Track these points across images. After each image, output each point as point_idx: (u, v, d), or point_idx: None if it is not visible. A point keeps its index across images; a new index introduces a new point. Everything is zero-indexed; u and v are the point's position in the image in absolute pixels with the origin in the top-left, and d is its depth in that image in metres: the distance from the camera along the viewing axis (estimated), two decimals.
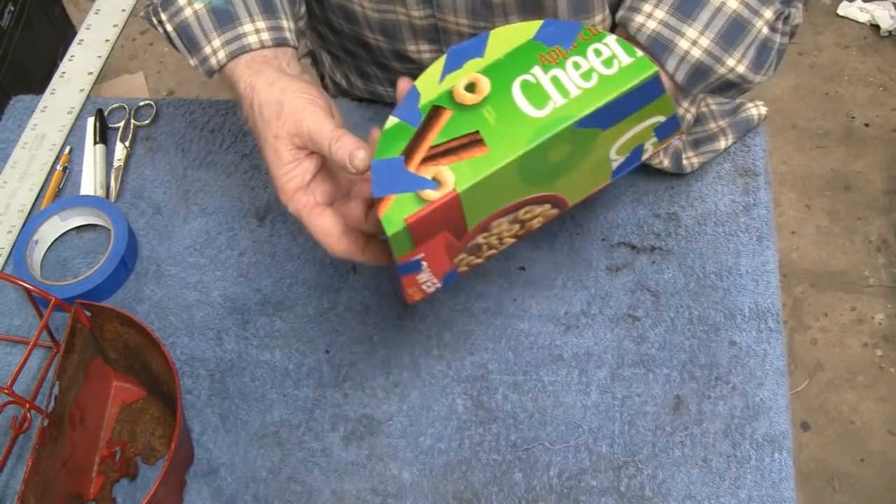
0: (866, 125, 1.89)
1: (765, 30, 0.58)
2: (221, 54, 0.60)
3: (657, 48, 0.58)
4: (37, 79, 1.65)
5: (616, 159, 0.55)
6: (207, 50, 0.60)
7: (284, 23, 0.61)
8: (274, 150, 0.56)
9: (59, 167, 0.83)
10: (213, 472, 0.66)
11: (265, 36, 0.60)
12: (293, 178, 0.56)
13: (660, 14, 0.58)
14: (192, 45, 0.61)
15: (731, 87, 0.60)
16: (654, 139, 0.55)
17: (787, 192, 1.79)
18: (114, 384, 0.71)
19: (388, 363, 0.69)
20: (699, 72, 0.58)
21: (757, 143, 0.79)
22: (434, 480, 0.64)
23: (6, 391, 0.60)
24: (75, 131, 0.86)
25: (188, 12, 0.61)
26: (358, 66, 0.81)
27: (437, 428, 0.66)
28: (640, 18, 0.59)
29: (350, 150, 0.52)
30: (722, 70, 0.58)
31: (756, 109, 0.78)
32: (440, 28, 0.68)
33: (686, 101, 0.75)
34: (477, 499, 0.63)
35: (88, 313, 0.66)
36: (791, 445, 0.64)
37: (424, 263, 0.53)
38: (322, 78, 0.94)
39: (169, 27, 0.62)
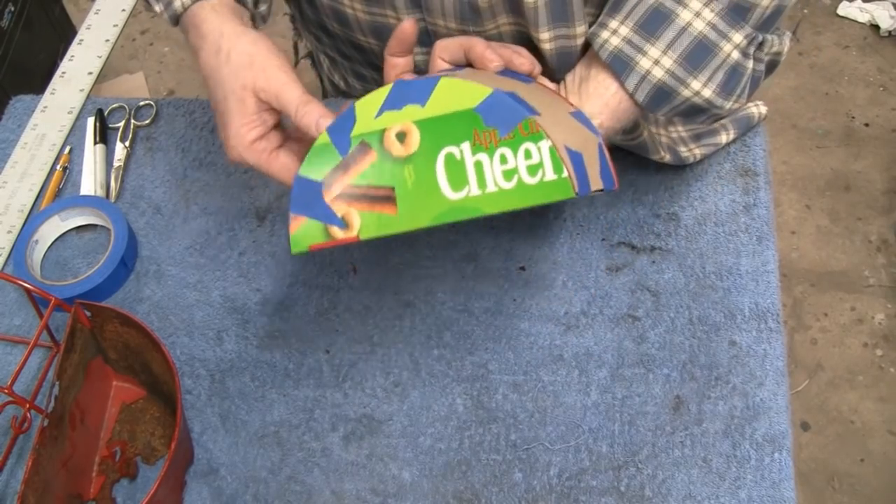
0: (866, 125, 1.89)
1: (735, 54, 0.57)
2: None
3: (617, 65, 0.57)
4: (37, 79, 1.65)
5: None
6: None
7: None
8: (240, 100, 0.56)
9: (59, 167, 0.83)
10: (213, 472, 0.66)
11: None
12: (254, 128, 0.56)
13: (624, 31, 0.57)
14: None
15: (699, 111, 0.59)
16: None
17: (787, 192, 1.79)
18: (114, 384, 0.71)
19: (388, 363, 0.69)
20: (662, 93, 0.57)
21: (757, 143, 0.79)
22: (434, 480, 0.64)
23: (6, 391, 0.60)
24: (75, 131, 0.86)
25: None
26: (354, 69, 0.81)
27: (437, 428, 0.66)
28: (604, 35, 0.58)
29: (316, 117, 0.53)
30: (686, 93, 0.57)
31: (756, 108, 0.78)
32: (430, 31, 0.68)
33: (692, 143, 0.75)
34: (477, 499, 0.63)
35: (88, 313, 0.66)
36: (791, 445, 0.64)
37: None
38: (321, 80, 0.94)
39: None
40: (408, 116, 0.51)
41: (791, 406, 0.66)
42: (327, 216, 0.53)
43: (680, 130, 0.76)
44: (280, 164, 0.57)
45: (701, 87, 0.57)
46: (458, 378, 0.68)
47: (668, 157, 0.74)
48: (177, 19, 0.61)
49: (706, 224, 0.74)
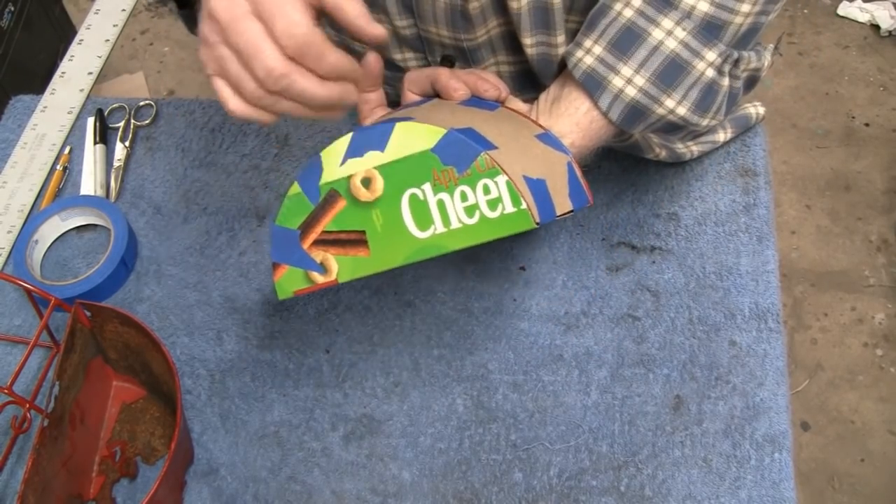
0: (866, 125, 1.89)
1: (709, 72, 0.57)
2: None
3: (590, 84, 0.57)
4: (37, 79, 1.65)
5: None
6: None
7: None
8: None
9: (59, 167, 0.83)
10: (213, 472, 0.66)
11: None
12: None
13: (597, 50, 0.57)
14: None
15: (675, 128, 0.59)
16: None
17: (787, 192, 1.79)
18: (114, 384, 0.71)
19: (388, 363, 0.69)
20: (635, 111, 0.57)
21: (757, 143, 0.79)
22: (434, 480, 0.64)
23: (6, 391, 0.60)
24: (75, 131, 0.86)
25: None
26: None
27: (437, 428, 0.66)
28: (579, 54, 0.58)
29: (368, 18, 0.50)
30: (661, 111, 0.57)
31: (754, 109, 0.78)
32: (423, 38, 0.68)
33: (690, 140, 0.75)
34: (477, 499, 0.63)
35: (88, 313, 0.66)
36: (791, 445, 0.64)
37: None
38: None
39: None
40: (370, 163, 0.52)
41: (791, 406, 0.66)
42: (306, 262, 0.55)
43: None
44: (331, 45, 0.48)
45: (675, 105, 0.57)
46: (459, 378, 0.68)
47: (663, 154, 0.74)
48: None
49: (706, 224, 0.74)
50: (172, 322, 0.73)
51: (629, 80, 0.56)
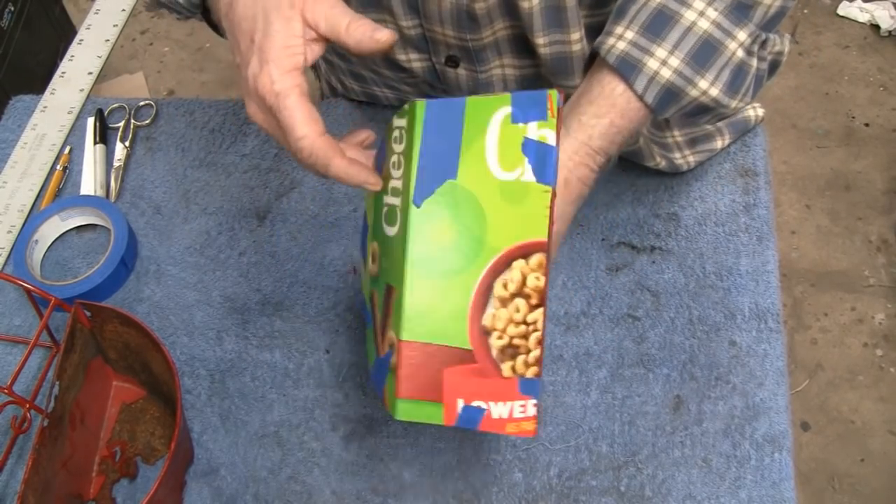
0: (866, 125, 1.89)
1: (739, 52, 0.57)
2: None
3: (625, 68, 0.56)
4: (37, 79, 1.65)
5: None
6: None
7: None
8: (287, 18, 0.50)
9: (59, 167, 0.83)
10: (213, 472, 0.66)
11: None
12: (295, 55, 0.51)
13: (630, 35, 0.56)
14: None
15: (705, 111, 0.59)
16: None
17: (787, 192, 1.79)
18: (114, 384, 0.71)
19: None
20: (670, 93, 0.57)
21: (757, 143, 0.79)
22: (434, 480, 0.64)
23: (6, 391, 0.60)
24: (75, 131, 0.86)
25: None
26: (351, 70, 0.81)
27: (437, 428, 0.66)
28: (610, 41, 0.57)
29: (371, 28, 0.51)
30: (694, 92, 0.57)
31: (753, 111, 0.78)
32: (428, 38, 0.68)
33: (687, 150, 0.75)
34: (477, 499, 0.63)
35: (88, 313, 0.66)
36: (791, 445, 0.64)
37: (477, 404, 0.48)
38: (319, 81, 0.94)
39: None
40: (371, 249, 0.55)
41: (791, 406, 0.66)
42: (384, 366, 0.51)
43: (676, 135, 0.76)
44: (307, 110, 0.50)
45: (708, 87, 0.57)
46: None
47: (663, 164, 0.74)
48: None
49: (706, 224, 0.74)
50: (172, 322, 0.73)
51: (664, 62, 0.56)
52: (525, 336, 0.49)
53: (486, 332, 0.48)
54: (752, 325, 0.69)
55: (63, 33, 1.79)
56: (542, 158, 0.48)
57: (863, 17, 2.06)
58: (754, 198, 0.76)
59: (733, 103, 0.58)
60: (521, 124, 0.48)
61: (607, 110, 0.57)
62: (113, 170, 0.82)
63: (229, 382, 0.70)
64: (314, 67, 0.93)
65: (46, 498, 0.59)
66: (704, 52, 0.56)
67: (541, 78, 0.69)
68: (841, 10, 2.08)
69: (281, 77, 0.50)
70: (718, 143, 0.77)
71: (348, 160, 0.51)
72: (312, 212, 0.78)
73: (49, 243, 0.79)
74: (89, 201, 0.78)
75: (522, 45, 0.66)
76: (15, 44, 1.62)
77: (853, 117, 1.91)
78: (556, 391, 0.67)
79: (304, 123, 0.50)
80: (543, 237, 0.48)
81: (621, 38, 0.57)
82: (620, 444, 0.65)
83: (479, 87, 0.71)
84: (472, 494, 0.64)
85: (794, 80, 1.97)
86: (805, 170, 1.83)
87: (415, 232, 0.48)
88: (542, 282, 0.48)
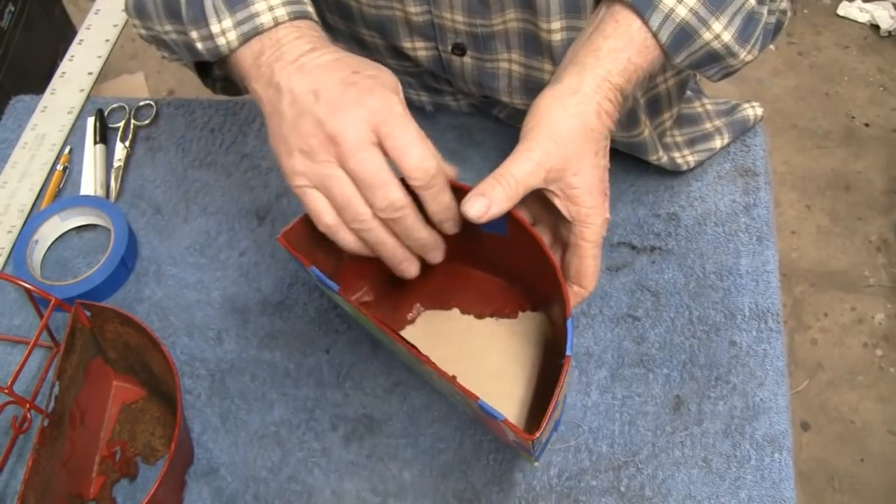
0: (866, 125, 1.89)
1: (751, 0, 0.57)
2: (232, 36, 0.55)
3: (641, 4, 0.55)
4: (37, 79, 1.65)
5: None
6: (216, 28, 0.55)
7: None
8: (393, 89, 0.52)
9: (59, 167, 0.83)
10: (213, 472, 0.66)
11: (280, 12, 0.54)
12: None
13: None
14: (195, 21, 0.56)
15: (714, 60, 0.58)
16: None
17: (787, 192, 1.79)
18: (114, 384, 0.71)
19: (389, 363, 0.69)
20: (684, 34, 0.56)
21: (757, 143, 0.79)
22: (434, 480, 0.64)
23: (6, 391, 0.60)
24: (75, 131, 0.86)
25: None
26: None
27: (437, 428, 0.66)
28: None
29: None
30: (707, 35, 0.56)
31: (752, 110, 0.78)
32: (436, 24, 0.67)
33: (686, 149, 0.75)
34: (477, 499, 0.63)
35: (88, 313, 0.66)
36: (791, 445, 0.64)
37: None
38: None
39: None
40: None
41: (791, 406, 0.66)
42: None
43: (675, 135, 0.76)
44: (426, 145, 0.51)
45: (721, 30, 0.56)
46: None
47: (664, 159, 0.74)
48: (219, 57, 0.56)
49: (706, 224, 0.74)
50: (172, 322, 0.73)
51: (680, 0, 0.55)
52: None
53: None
54: (752, 325, 0.69)
55: (63, 33, 1.79)
56: None
57: (863, 17, 2.06)
58: (754, 198, 0.76)
59: (742, 53, 0.58)
60: None
61: (624, 45, 0.55)
62: (113, 170, 0.82)
63: (229, 382, 0.70)
64: None
65: (46, 498, 0.59)
66: None
67: (545, 84, 0.68)
68: (841, 10, 2.08)
69: (392, 111, 0.51)
70: (717, 143, 0.77)
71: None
72: None
73: (49, 243, 0.79)
74: (89, 201, 0.78)
75: (532, 41, 0.66)
76: (15, 44, 1.62)
77: (853, 117, 1.91)
78: None
79: (426, 150, 0.51)
80: None
81: None
82: (620, 444, 0.65)
83: (485, 77, 0.71)
84: (472, 494, 0.64)
85: (794, 80, 1.97)
86: (805, 170, 1.83)
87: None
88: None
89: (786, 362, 0.68)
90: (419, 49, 0.71)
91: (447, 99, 0.79)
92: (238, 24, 0.54)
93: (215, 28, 0.55)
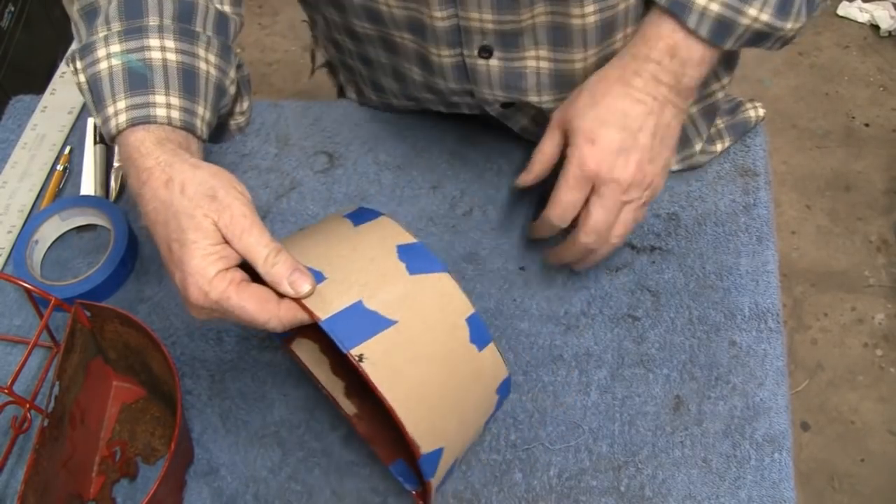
0: (866, 125, 1.89)
1: None
2: (122, 118, 0.54)
3: (676, 7, 0.59)
4: (37, 79, 1.65)
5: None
6: (110, 110, 0.54)
7: (200, 110, 0.56)
8: (202, 228, 0.50)
9: (59, 167, 0.83)
10: (213, 472, 0.66)
11: (175, 114, 0.54)
12: (218, 260, 0.50)
13: None
14: (98, 102, 0.55)
15: (765, 37, 0.61)
16: None
17: (787, 192, 1.79)
18: (114, 384, 0.71)
19: None
20: (722, 25, 0.59)
21: (757, 143, 0.79)
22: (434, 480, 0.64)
23: (6, 391, 0.60)
24: (75, 131, 0.86)
25: (103, 66, 0.55)
26: (373, 78, 0.79)
27: None
28: None
29: (289, 271, 0.50)
30: (745, 21, 0.59)
31: (754, 111, 0.78)
32: (462, 28, 0.66)
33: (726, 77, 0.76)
34: (477, 499, 0.63)
35: (88, 313, 0.66)
36: (791, 445, 0.64)
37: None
38: (340, 88, 0.92)
39: (82, 77, 0.56)
40: None
41: (791, 406, 0.66)
42: None
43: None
44: (255, 295, 0.50)
45: (758, 13, 0.58)
46: None
47: (698, 155, 0.75)
48: (112, 138, 0.55)
49: (706, 224, 0.74)
50: (173, 322, 0.73)
51: None
52: None
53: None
54: (752, 325, 0.69)
55: (63, 33, 1.79)
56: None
57: (862, 18, 2.06)
58: (754, 198, 0.76)
59: (788, 24, 0.60)
60: None
61: (663, 46, 0.61)
62: (113, 170, 0.82)
63: (229, 382, 0.70)
64: (334, 74, 0.92)
65: (46, 498, 0.59)
66: None
67: (574, 75, 0.68)
68: (841, 11, 2.08)
69: (210, 285, 0.50)
70: (718, 146, 0.77)
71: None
72: (312, 212, 0.78)
73: (49, 243, 0.79)
74: (89, 201, 0.78)
75: (560, 33, 0.65)
76: (15, 44, 1.62)
77: (853, 117, 1.91)
78: (556, 391, 0.67)
79: (260, 311, 0.50)
80: None
81: None
82: (620, 445, 0.65)
83: (512, 77, 0.69)
84: (472, 494, 0.64)
85: (794, 80, 1.97)
86: (805, 170, 1.83)
87: None
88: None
89: (786, 362, 0.68)
90: (444, 57, 0.68)
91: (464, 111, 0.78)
92: (122, 111, 0.55)
93: (110, 111, 0.55)
